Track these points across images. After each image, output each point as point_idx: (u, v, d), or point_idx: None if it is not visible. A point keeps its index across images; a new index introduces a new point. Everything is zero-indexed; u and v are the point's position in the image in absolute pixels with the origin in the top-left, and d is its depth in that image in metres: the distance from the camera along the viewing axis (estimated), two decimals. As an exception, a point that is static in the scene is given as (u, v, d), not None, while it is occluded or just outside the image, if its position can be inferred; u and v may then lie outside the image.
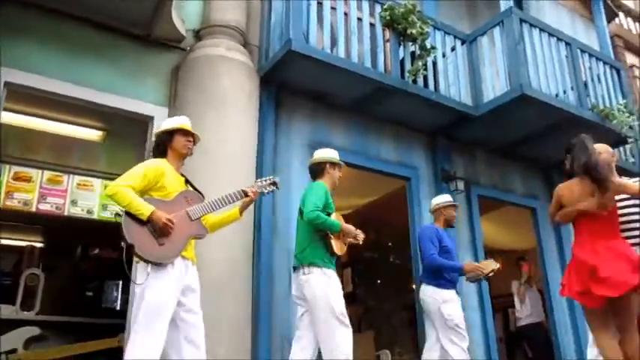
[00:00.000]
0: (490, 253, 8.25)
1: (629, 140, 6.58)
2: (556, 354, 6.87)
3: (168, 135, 3.45)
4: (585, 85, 6.63)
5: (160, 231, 3.09)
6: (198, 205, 3.34)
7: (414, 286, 6.11)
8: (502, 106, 6.12)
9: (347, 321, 3.75)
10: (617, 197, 3.71)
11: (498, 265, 4.94)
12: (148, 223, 3.07)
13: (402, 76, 5.81)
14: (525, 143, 7.04)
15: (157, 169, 3.28)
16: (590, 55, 7.00)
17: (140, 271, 3.09)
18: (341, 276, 9.04)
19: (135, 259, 3.11)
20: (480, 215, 6.78)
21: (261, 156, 5.23)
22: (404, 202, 6.34)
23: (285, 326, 4.85)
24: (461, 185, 6.37)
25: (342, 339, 3.67)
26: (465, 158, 6.95)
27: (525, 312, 7.75)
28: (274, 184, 3.81)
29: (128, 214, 3.07)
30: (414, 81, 5.84)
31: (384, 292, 8.04)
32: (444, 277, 4.79)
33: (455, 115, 6.28)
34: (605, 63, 7.16)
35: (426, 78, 5.99)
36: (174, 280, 3.11)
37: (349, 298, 8.88)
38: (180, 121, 3.52)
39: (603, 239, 3.52)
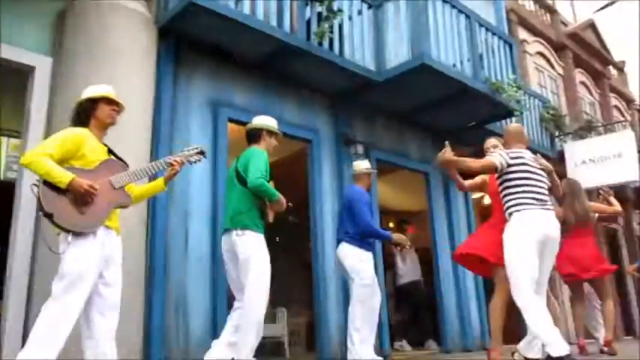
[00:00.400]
0: (384, 213, 8.63)
1: (516, 114, 7.02)
2: (439, 309, 7.39)
3: (91, 103, 3.28)
4: (480, 57, 6.93)
5: (81, 199, 2.99)
6: (122, 174, 3.24)
7: (310, 246, 6.23)
8: (403, 74, 6.26)
9: (268, 285, 3.87)
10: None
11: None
12: (67, 191, 2.96)
13: (308, 37, 5.72)
14: (422, 110, 7.29)
15: (78, 137, 3.14)
16: (487, 30, 7.30)
17: (61, 241, 2.99)
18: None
19: (55, 229, 2.99)
20: (377, 178, 6.99)
21: (157, 115, 4.97)
22: (303, 163, 6.37)
23: (181, 290, 4.76)
24: (360, 149, 6.50)
25: (260, 301, 3.78)
26: (365, 122, 7.07)
27: (405, 271, 8.29)
28: (201, 153, 3.70)
29: (46, 182, 2.94)
30: (320, 43, 5.78)
31: (280, 251, 8.11)
32: (367, 240, 5.04)
33: (358, 80, 6.33)
34: (499, 38, 7.51)
35: (331, 41, 5.95)
36: (97, 249, 3.03)
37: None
38: (105, 89, 3.36)
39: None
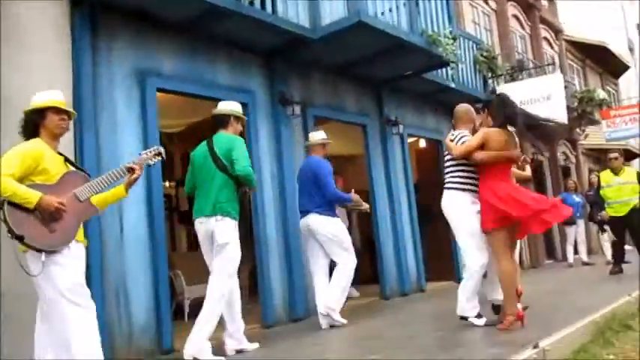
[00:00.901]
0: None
1: (452, 66, 7.01)
2: (377, 255, 7.64)
3: (38, 113, 3.17)
4: (417, 4, 6.77)
5: (50, 217, 2.97)
6: (85, 186, 3.19)
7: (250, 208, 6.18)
8: (340, 31, 6.04)
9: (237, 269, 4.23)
10: None
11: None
12: (34, 210, 2.93)
13: (237, -4, 5.35)
14: (359, 64, 7.14)
15: (35, 152, 3.06)
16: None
17: (32, 261, 2.97)
18: (177, 196, 8.90)
19: (20, 248, 2.96)
20: (314, 125, 6.89)
21: (77, 94, 4.57)
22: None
23: (119, 278, 4.63)
24: (297, 110, 6.34)
25: (226, 283, 4.13)
26: (302, 79, 6.86)
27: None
28: (159, 154, 3.64)
29: (11, 203, 2.89)
30: (251, 2, 5.43)
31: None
32: (334, 207, 5.35)
33: (292, 38, 6.06)
34: (436, -18, 7.34)
35: (262, -3, 5.61)
36: (78, 258, 3.11)
37: (183, 218, 8.78)
38: (52, 97, 3.23)
39: (510, 180, 4.38)
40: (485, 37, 11.41)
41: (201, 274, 7.19)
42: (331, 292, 5.11)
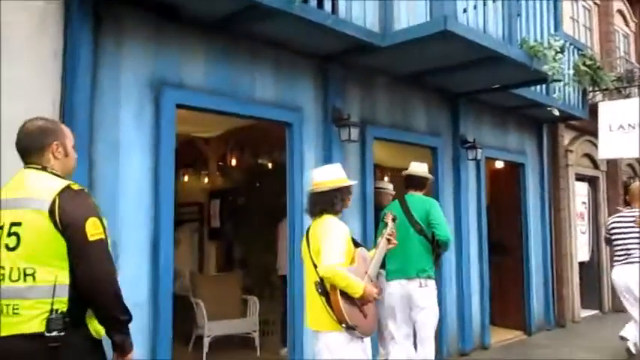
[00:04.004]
0: (379, 169, 7.29)
1: (557, 90, 5.52)
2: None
3: (345, 190, 3.29)
4: (518, 14, 5.30)
5: (363, 303, 2.99)
6: (372, 265, 3.15)
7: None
8: (417, 40, 4.69)
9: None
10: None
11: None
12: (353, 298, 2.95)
13: (288, -10, 4.08)
14: (433, 74, 5.77)
15: (346, 232, 3.11)
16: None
17: (338, 342, 2.97)
18: (209, 208, 7.84)
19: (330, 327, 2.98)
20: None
21: (68, 111, 3.51)
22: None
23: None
24: (355, 134, 5.06)
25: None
26: (362, 92, 5.56)
27: None
28: (394, 219, 3.61)
29: (342, 293, 2.90)
30: (305, 0, 4.16)
31: (255, 230, 6.92)
32: None
33: (355, 44, 4.76)
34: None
35: (320, -7, 4.33)
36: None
37: (214, 234, 7.74)
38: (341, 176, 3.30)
39: None
40: (585, 38, 9.64)
41: (226, 305, 6.24)
42: None
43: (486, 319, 6.93)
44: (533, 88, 6.79)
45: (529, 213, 7.87)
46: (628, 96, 8.69)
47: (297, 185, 4.83)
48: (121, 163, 3.74)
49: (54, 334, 1.92)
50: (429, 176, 4.64)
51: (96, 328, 2.07)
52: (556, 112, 5.61)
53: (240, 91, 4.50)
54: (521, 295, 7.77)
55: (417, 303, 4.29)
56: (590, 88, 7.96)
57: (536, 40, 5.43)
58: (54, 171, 2.16)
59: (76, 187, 2.11)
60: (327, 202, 3.14)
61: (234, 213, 7.26)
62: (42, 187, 2.05)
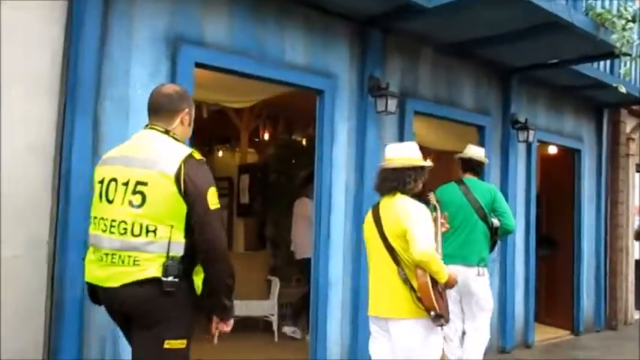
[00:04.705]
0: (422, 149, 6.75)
1: (625, 62, 4.88)
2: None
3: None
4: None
5: (443, 290, 2.93)
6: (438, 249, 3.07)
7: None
8: (468, 1, 4.17)
9: None
10: None
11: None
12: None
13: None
14: (484, 44, 5.22)
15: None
16: None
17: (416, 330, 2.87)
18: (238, 183, 7.51)
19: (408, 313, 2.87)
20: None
21: (73, 67, 3.19)
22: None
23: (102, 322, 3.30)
24: (393, 105, 4.59)
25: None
26: (403, 60, 5.08)
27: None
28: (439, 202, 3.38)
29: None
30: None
31: (285, 208, 6.52)
32: None
33: (397, 4, 4.28)
34: None
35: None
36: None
37: (243, 210, 7.41)
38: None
39: None
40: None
41: (249, 285, 5.90)
42: None
43: (531, 315, 6.38)
44: (596, 65, 6.14)
45: (583, 204, 7.21)
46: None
47: (325, 159, 4.42)
48: (130, 124, 3.40)
49: (170, 279, 2.10)
50: (486, 160, 4.45)
51: (198, 283, 2.20)
52: (623, 90, 4.95)
53: (268, 53, 4.10)
54: (570, 293, 7.17)
55: (474, 292, 4.11)
56: (660, 69, 7.16)
57: (604, 7, 4.80)
58: (175, 136, 2.29)
59: (197, 156, 2.22)
60: (399, 180, 2.97)
61: (265, 189, 6.91)
62: (168, 151, 2.19)
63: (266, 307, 5.81)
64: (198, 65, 3.69)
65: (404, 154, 3.06)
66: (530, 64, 5.76)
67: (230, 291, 2.24)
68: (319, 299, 4.38)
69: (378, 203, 3.07)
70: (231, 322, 2.31)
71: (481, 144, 5.82)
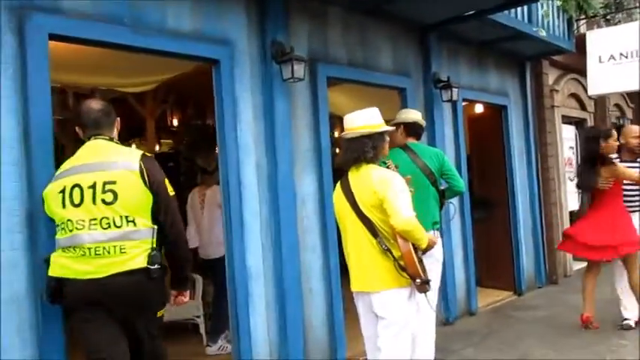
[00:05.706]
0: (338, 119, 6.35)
1: (543, 4, 4.58)
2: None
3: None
4: None
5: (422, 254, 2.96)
6: None
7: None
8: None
9: None
10: None
11: None
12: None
13: None
14: (396, 1, 4.80)
15: None
16: None
17: (397, 298, 2.89)
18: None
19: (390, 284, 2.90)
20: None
21: None
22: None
23: None
24: (300, 71, 4.10)
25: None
26: (311, 23, 4.57)
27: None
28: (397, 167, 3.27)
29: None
30: None
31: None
32: None
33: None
34: None
35: None
36: None
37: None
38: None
39: None
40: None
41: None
42: None
43: (472, 282, 6.16)
44: (513, 15, 5.87)
45: (514, 162, 7.03)
46: (616, 25, 7.79)
47: (229, 138, 3.88)
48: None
49: (155, 266, 2.47)
50: (423, 123, 4.28)
51: (164, 262, 2.56)
52: (543, 33, 4.72)
53: (145, 19, 3.48)
54: (509, 253, 7.01)
55: (433, 254, 3.87)
56: (576, 16, 7.03)
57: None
58: (117, 141, 2.69)
59: (148, 154, 2.64)
60: (358, 150, 2.95)
61: (178, 180, 6.30)
62: (124, 153, 2.59)
63: (190, 309, 5.26)
64: (53, 37, 3.04)
65: (359, 122, 2.99)
66: (447, 18, 5.41)
67: (190, 265, 2.74)
68: (238, 296, 3.87)
69: (346, 176, 3.03)
70: (188, 292, 2.81)
71: (404, 107, 5.46)
